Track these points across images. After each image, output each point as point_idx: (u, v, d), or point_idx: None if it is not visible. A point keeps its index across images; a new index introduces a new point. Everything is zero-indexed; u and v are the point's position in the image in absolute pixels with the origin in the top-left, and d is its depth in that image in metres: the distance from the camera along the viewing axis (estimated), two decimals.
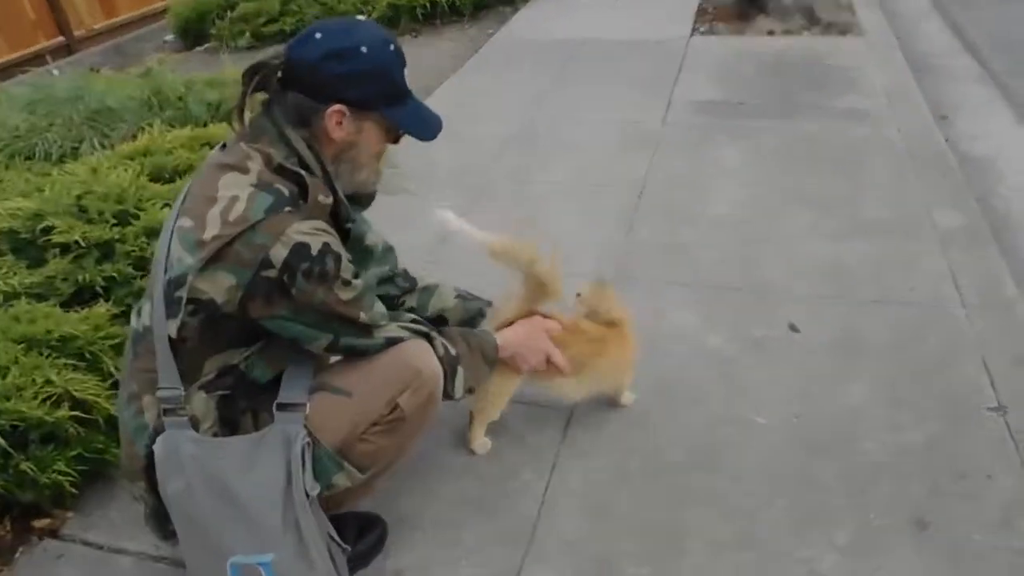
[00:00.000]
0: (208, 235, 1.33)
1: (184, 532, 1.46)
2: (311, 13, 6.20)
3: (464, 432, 2.02)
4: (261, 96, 1.47)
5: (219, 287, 1.34)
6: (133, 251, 2.42)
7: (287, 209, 1.36)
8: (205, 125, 3.51)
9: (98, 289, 2.34)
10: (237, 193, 1.35)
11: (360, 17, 1.61)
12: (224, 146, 1.49)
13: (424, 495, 1.90)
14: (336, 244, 1.40)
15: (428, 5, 6.27)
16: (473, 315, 1.97)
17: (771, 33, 5.36)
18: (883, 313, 2.43)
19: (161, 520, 1.51)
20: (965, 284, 2.53)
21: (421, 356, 1.53)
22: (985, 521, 1.72)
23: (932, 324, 2.36)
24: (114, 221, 2.50)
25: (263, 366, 1.47)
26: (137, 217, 2.52)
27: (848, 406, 2.08)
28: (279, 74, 1.44)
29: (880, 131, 3.72)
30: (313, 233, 1.35)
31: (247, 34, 6.32)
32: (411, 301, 1.94)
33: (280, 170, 1.40)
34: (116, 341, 2.16)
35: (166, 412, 1.40)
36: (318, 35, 1.41)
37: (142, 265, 2.43)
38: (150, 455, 1.43)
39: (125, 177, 2.73)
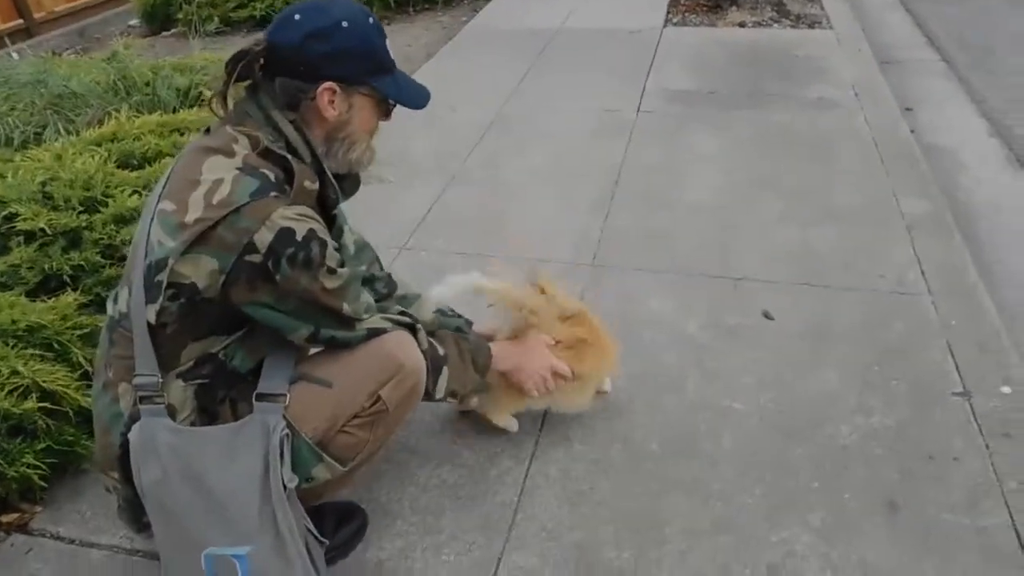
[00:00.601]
0: (190, 218, 1.30)
1: (158, 523, 1.43)
2: None
3: (444, 419, 2.02)
4: (243, 84, 1.44)
5: (201, 271, 1.31)
6: (101, 239, 2.38)
7: (273, 194, 1.33)
8: (174, 111, 3.45)
9: (65, 278, 2.29)
10: (222, 176, 1.32)
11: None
12: (207, 131, 1.46)
13: (404, 483, 1.89)
14: (322, 231, 1.37)
15: None
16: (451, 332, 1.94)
17: (742, 25, 5.41)
18: (853, 299, 2.47)
19: (135, 512, 1.49)
20: (930, 271, 2.59)
21: (404, 348, 1.51)
22: (953, 502, 1.77)
23: (900, 310, 2.41)
24: (81, 208, 2.45)
25: (243, 355, 1.45)
26: (105, 204, 2.46)
27: (821, 391, 2.11)
28: (261, 60, 1.41)
29: (848, 121, 3.78)
30: (299, 219, 1.33)
31: (216, 19, 6.21)
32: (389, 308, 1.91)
33: (266, 154, 1.38)
34: (85, 331, 2.12)
35: (142, 400, 1.37)
36: (297, 16, 1.39)
37: (111, 253, 2.38)
38: (125, 444, 1.40)
39: (92, 163, 2.67)
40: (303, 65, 1.39)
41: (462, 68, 4.90)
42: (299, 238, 1.32)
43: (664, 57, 4.85)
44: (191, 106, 3.55)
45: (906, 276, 2.58)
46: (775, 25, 5.38)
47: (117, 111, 3.34)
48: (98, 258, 2.33)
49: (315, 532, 1.50)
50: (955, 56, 5.00)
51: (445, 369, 1.61)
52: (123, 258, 2.39)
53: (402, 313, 1.58)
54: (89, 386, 2.00)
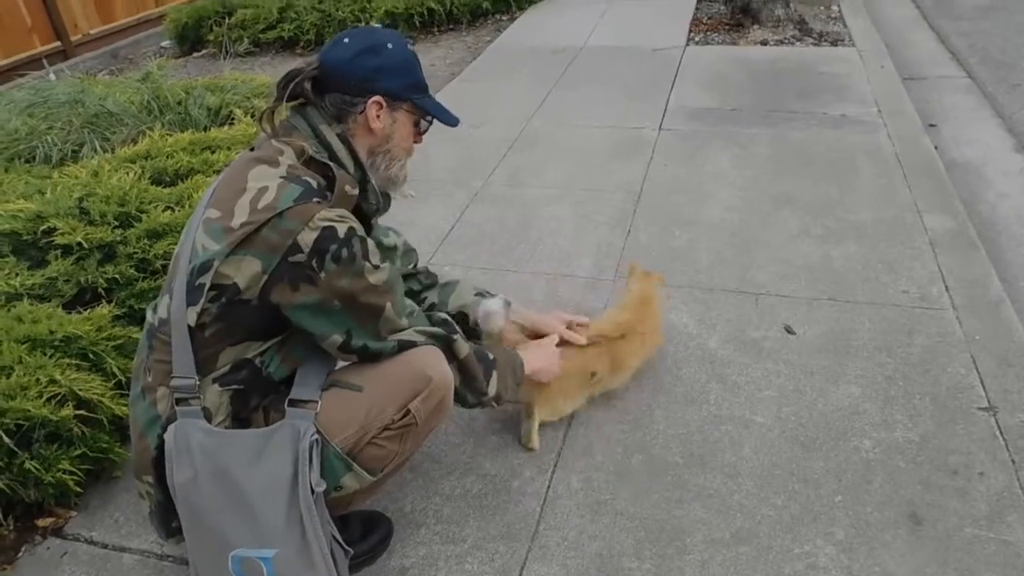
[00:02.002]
0: (236, 222, 1.37)
1: (188, 524, 1.47)
2: (309, 20, 6.25)
3: (467, 430, 2.05)
4: (289, 105, 1.53)
5: (244, 272, 1.36)
6: (135, 253, 2.45)
7: (315, 199, 1.40)
8: (206, 129, 3.54)
9: (100, 291, 2.36)
10: (267, 184, 1.40)
11: (375, 24, 1.70)
12: (252, 148, 1.54)
13: (428, 493, 1.92)
14: (361, 230, 1.44)
15: (425, 13, 6.34)
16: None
17: (764, 43, 5.43)
18: (876, 314, 2.47)
19: (166, 516, 1.53)
20: (954, 286, 2.58)
21: (432, 363, 1.54)
22: (976, 515, 1.76)
23: (923, 325, 2.41)
24: (116, 223, 2.53)
25: (278, 362, 1.49)
26: (139, 219, 2.54)
27: (843, 405, 2.11)
28: (313, 79, 1.51)
29: (871, 137, 3.78)
30: (339, 220, 1.40)
31: (245, 40, 6.37)
32: (432, 297, 1.97)
33: (310, 162, 1.47)
34: (119, 342, 2.18)
35: (179, 402, 1.42)
36: (346, 39, 1.52)
37: (144, 267, 2.45)
38: (160, 446, 1.45)
39: (126, 180, 2.76)
40: (353, 79, 1.50)
41: (486, 87, 4.98)
42: (341, 235, 1.38)
43: (686, 75, 4.89)
44: (222, 124, 3.65)
45: (929, 291, 2.57)
46: (797, 43, 5.40)
47: (151, 129, 3.43)
48: (132, 271, 2.40)
49: (340, 540, 1.53)
50: (979, 72, 4.98)
51: (495, 372, 1.67)
52: (156, 272, 2.47)
53: (444, 323, 1.63)
54: (123, 395, 2.06)
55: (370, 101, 1.51)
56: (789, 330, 2.43)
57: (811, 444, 1.99)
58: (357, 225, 1.43)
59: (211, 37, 6.51)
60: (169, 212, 2.64)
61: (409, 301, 1.61)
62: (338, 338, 1.45)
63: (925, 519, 1.77)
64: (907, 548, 1.70)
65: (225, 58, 5.96)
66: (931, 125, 4.16)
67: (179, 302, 1.39)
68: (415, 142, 1.65)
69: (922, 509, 1.79)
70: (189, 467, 1.42)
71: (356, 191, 1.51)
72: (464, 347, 1.61)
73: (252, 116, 3.69)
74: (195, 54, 6.65)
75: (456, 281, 2.01)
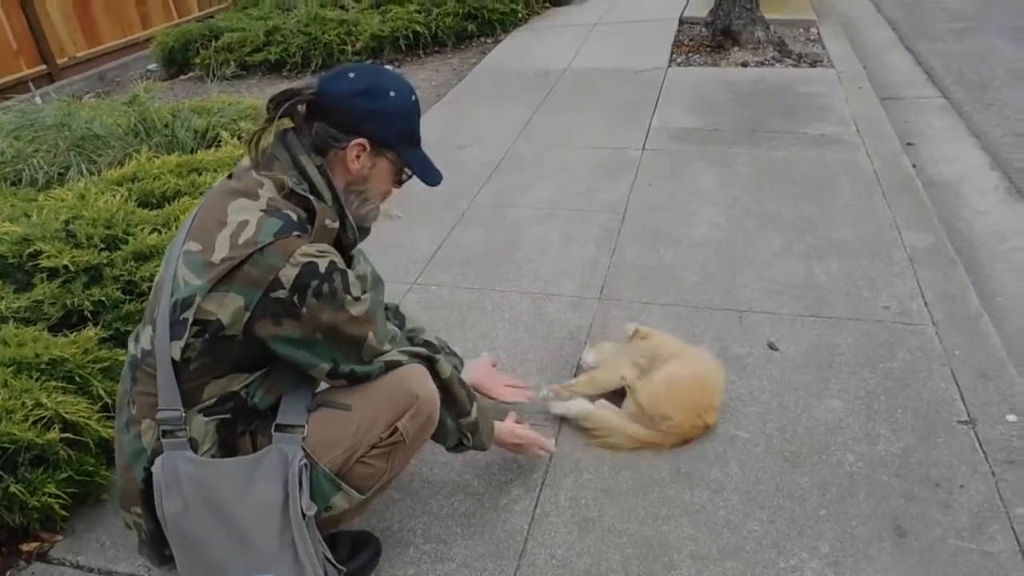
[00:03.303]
0: (217, 257, 1.36)
1: (181, 554, 1.48)
2: (296, 43, 6.29)
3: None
4: (279, 125, 1.52)
5: (227, 308, 1.36)
6: (121, 275, 2.45)
7: (295, 233, 1.40)
8: (192, 151, 3.55)
9: (86, 313, 2.36)
10: (247, 218, 1.39)
11: (388, 67, 1.70)
12: (230, 176, 1.54)
13: (416, 512, 1.92)
14: (341, 263, 1.44)
15: (411, 36, 6.39)
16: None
17: (745, 64, 5.52)
18: (857, 330, 2.51)
19: (157, 545, 1.53)
20: (933, 301, 2.63)
21: (419, 380, 1.56)
22: (959, 527, 1.79)
23: (903, 340, 2.45)
24: (102, 246, 2.53)
25: (263, 393, 1.49)
26: (126, 242, 2.54)
27: (826, 420, 2.14)
28: (307, 104, 1.51)
29: (851, 156, 3.85)
30: (319, 255, 1.39)
31: (232, 63, 6.40)
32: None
33: (290, 195, 1.45)
34: (105, 364, 2.18)
35: (165, 434, 1.43)
36: (352, 74, 1.52)
37: (131, 289, 2.45)
38: (148, 478, 1.45)
39: (113, 203, 2.76)
40: (345, 116, 1.49)
41: (471, 108, 5.02)
42: (322, 271, 1.38)
43: (669, 96, 4.96)
44: (209, 147, 3.66)
45: (910, 306, 2.62)
46: (777, 64, 5.50)
47: (137, 152, 3.44)
48: (118, 294, 2.40)
49: (332, 559, 1.54)
50: (954, 92, 5.09)
51: (476, 403, 1.71)
52: (143, 294, 2.46)
53: (425, 344, 1.63)
54: (110, 417, 2.05)
55: (354, 141, 1.50)
56: (773, 346, 2.46)
57: (796, 459, 2.02)
58: (338, 258, 1.43)
59: (198, 60, 6.53)
60: (156, 234, 2.64)
61: (391, 326, 1.62)
62: (325, 366, 1.46)
63: (909, 531, 1.79)
64: (892, 561, 1.72)
65: (212, 81, 5.99)
66: (909, 144, 4.24)
67: (163, 335, 1.39)
68: (394, 187, 1.65)
69: (906, 522, 1.81)
70: (179, 497, 1.42)
71: (336, 224, 1.50)
72: (447, 368, 1.63)
73: (239, 138, 3.71)
74: (182, 77, 6.67)
75: (422, 328, 1.98)
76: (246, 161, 1.52)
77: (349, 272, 1.45)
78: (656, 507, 1.90)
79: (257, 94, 5.64)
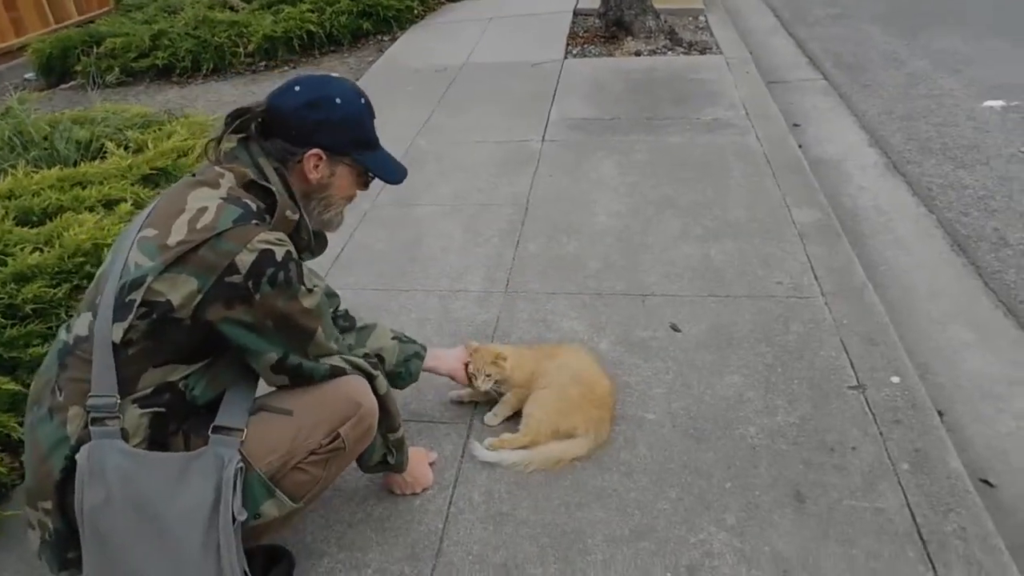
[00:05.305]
0: (173, 240, 1.36)
1: (91, 552, 1.40)
2: (184, 47, 6.05)
3: None
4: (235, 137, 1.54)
5: (179, 290, 1.35)
6: (1, 299, 2.31)
7: (254, 222, 1.41)
8: (75, 165, 3.37)
9: None
10: (206, 204, 1.40)
11: (334, 74, 1.71)
12: (194, 174, 1.53)
13: (329, 521, 1.89)
14: (295, 254, 1.45)
15: (305, 36, 6.25)
16: (409, 356, 2.00)
17: (638, 54, 5.65)
18: (753, 307, 2.61)
19: (60, 546, 1.45)
20: (822, 274, 2.76)
21: (362, 390, 1.57)
22: (853, 488, 1.88)
23: (796, 313, 2.56)
24: None
25: (204, 386, 1.46)
26: (4, 263, 2.40)
27: (728, 395, 2.22)
28: (260, 120, 1.53)
29: (741, 139, 4.00)
30: (277, 243, 1.41)
31: (116, 70, 6.10)
32: (349, 339, 1.95)
33: (250, 186, 1.47)
34: None
35: (94, 421, 1.37)
36: (297, 88, 1.55)
37: (12, 313, 2.31)
38: (66, 468, 1.39)
39: None
40: (295, 130, 1.53)
41: None
42: (278, 259, 1.39)
43: (566, 88, 5.02)
44: (93, 159, 3.47)
45: (801, 281, 2.74)
46: (669, 52, 5.65)
47: (13, 168, 3.24)
48: None
49: (249, 573, 1.48)
50: (834, 74, 5.36)
51: (402, 427, 1.74)
52: (26, 317, 2.33)
53: (365, 356, 1.64)
54: None
55: (308, 153, 1.53)
56: (675, 328, 2.53)
57: (701, 436, 2.08)
58: (293, 249, 1.45)
59: (79, 68, 6.20)
60: (38, 253, 2.50)
61: (336, 332, 1.62)
62: (273, 355, 1.46)
63: (808, 496, 1.87)
64: (793, 526, 1.80)
65: (95, 89, 5.69)
66: (795, 125, 4.44)
67: (104, 319, 1.36)
68: (360, 189, 1.68)
69: (805, 487, 1.90)
70: (102, 489, 1.36)
71: (296, 216, 1.53)
72: (384, 384, 1.65)
73: (126, 148, 3.53)
74: (62, 86, 6.32)
75: (373, 325, 2.02)
76: (206, 162, 1.54)
77: (304, 264, 1.48)
78: (569, 495, 1.92)
79: (145, 101, 5.40)
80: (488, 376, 2.08)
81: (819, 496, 1.87)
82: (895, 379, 2.24)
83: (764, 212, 3.23)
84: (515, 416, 2.13)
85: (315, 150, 1.54)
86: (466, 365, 2.10)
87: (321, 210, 1.63)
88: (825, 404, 2.16)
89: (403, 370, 1.99)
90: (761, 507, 1.85)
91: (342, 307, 2.03)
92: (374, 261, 3.08)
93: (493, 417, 2.15)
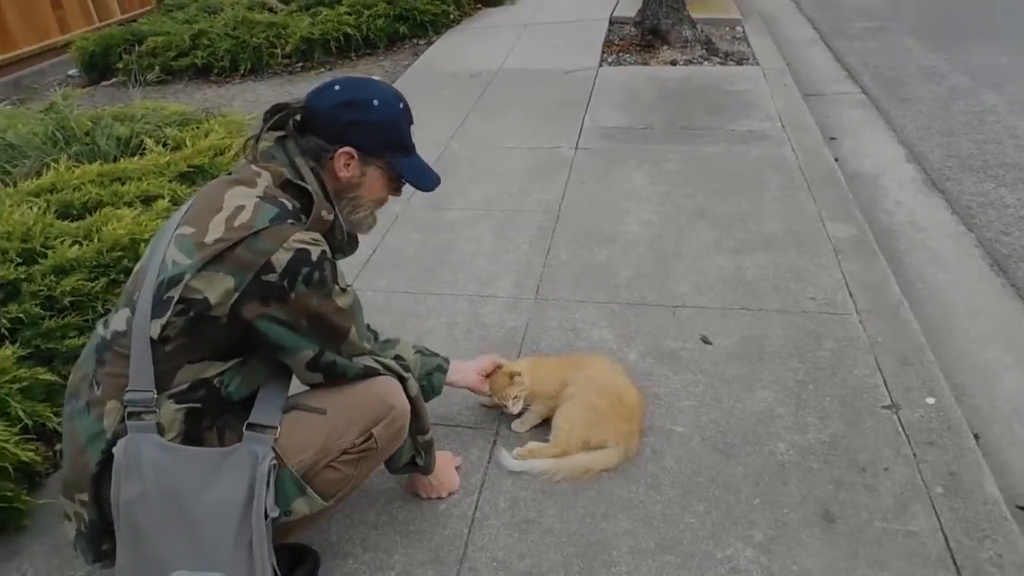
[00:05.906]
0: (210, 238, 1.39)
1: (125, 544, 1.42)
2: (223, 47, 6.15)
3: None
4: (273, 135, 1.58)
5: (216, 288, 1.37)
6: (40, 291, 2.35)
7: (290, 221, 1.44)
8: (115, 160, 3.43)
9: (3, 331, 2.26)
10: (243, 203, 1.43)
11: (375, 77, 1.73)
12: (230, 173, 1.56)
13: (354, 522, 1.90)
14: (330, 254, 1.47)
15: (342, 38, 6.32)
16: (432, 370, 1.99)
17: (674, 63, 5.62)
18: (785, 321, 2.58)
19: (95, 539, 1.47)
20: (857, 291, 2.72)
21: (394, 392, 1.59)
22: (884, 509, 1.85)
23: (829, 330, 2.52)
24: (19, 260, 2.43)
25: (239, 383, 1.48)
26: (44, 256, 2.45)
27: (758, 410, 2.19)
28: (298, 116, 1.58)
29: (776, 152, 3.96)
30: (313, 243, 1.43)
31: (156, 68, 6.21)
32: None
33: (286, 186, 1.50)
34: (24, 384, 2.09)
35: (131, 415, 1.39)
36: (337, 87, 1.58)
37: (50, 305, 2.36)
38: (103, 462, 1.41)
39: (30, 215, 2.65)
40: (330, 127, 1.55)
41: None
42: (314, 259, 1.42)
43: (600, 95, 5.02)
44: (132, 155, 3.54)
45: (835, 297, 2.70)
46: (705, 62, 5.61)
47: (56, 162, 3.31)
48: (38, 310, 2.31)
49: (277, 571, 1.50)
50: (872, 88, 5.29)
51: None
52: (64, 310, 2.38)
53: (396, 358, 1.67)
54: (28, 440, 1.97)
55: (340, 151, 1.55)
56: (706, 340, 2.51)
57: (730, 450, 2.06)
58: (328, 249, 1.47)
59: (120, 65, 6.32)
60: (77, 247, 2.55)
61: (366, 330, 1.64)
62: (309, 352, 1.48)
63: (838, 516, 1.85)
64: (822, 545, 1.77)
65: (135, 87, 5.81)
66: (831, 138, 4.39)
67: (142, 315, 1.39)
68: (392, 195, 1.70)
69: (834, 507, 1.87)
70: (138, 482, 1.39)
71: (332, 216, 1.55)
72: (415, 387, 1.67)
73: (164, 145, 3.59)
74: (104, 83, 6.45)
75: (397, 339, 2.00)
76: (244, 161, 1.57)
77: (337, 263, 1.50)
78: (594, 505, 1.91)
79: (183, 99, 5.49)
80: (516, 398, 2.08)
81: (849, 516, 1.84)
82: (930, 400, 2.20)
83: (798, 225, 3.20)
84: (543, 422, 2.13)
85: (347, 148, 1.55)
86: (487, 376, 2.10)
87: (350, 210, 1.64)
88: (857, 423, 2.13)
89: (426, 383, 1.96)
90: (790, 525, 1.83)
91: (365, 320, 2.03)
92: (405, 264, 3.10)
93: (520, 425, 2.14)
